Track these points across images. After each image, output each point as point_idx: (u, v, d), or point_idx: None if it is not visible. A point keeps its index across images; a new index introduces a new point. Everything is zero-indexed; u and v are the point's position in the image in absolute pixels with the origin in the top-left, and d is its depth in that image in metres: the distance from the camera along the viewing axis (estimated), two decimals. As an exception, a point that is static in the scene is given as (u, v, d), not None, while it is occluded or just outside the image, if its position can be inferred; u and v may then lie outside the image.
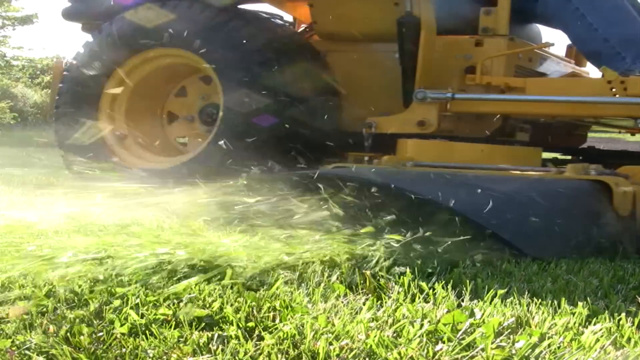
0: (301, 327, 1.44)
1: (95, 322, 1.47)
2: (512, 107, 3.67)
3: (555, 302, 1.73)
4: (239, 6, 4.15)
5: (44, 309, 1.55)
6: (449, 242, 2.26)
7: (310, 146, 3.75)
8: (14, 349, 1.31)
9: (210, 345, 1.35)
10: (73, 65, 4.29)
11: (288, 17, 4.71)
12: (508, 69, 3.73)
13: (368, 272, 1.88)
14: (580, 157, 4.40)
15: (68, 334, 1.39)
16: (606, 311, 1.67)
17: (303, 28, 4.58)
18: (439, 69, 3.68)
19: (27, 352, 1.31)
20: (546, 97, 3.60)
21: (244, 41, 3.80)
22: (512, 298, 1.76)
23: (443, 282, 1.90)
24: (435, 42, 3.67)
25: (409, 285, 1.83)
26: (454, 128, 3.75)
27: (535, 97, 3.61)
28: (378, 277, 1.92)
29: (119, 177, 3.88)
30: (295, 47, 3.98)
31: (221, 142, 3.68)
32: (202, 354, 1.32)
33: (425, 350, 1.34)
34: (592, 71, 4.45)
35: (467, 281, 1.90)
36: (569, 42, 4.24)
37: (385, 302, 1.69)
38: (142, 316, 1.51)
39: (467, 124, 3.80)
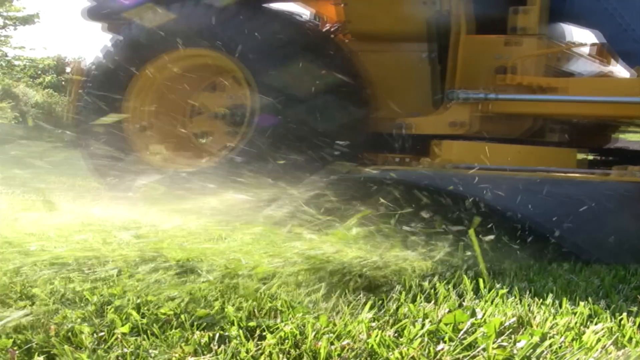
0: (302, 327, 1.44)
1: (96, 321, 1.47)
2: (547, 107, 3.62)
3: (557, 301, 1.73)
4: (268, 6, 4.10)
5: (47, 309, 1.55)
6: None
7: (341, 146, 3.70)
8: (14, 348, 1.31)
9: (212, 345, 1.35)
10: (98, 64, 4.23)
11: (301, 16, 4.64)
12: (540, 69, 3.69)
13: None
14: (603, 157, 4.37)
15: (69, 334, 1.39)
16: (607, 311, 1.67)
17: (335, 27, 4.51)
18: (472, 69, 3.65)
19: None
20: (583, 97, 3.54)
21: (279, 43, 3.74)
22: (513, 298, 1.76)
23: (444, 281, 1.90)
24: (469, 42, 3.64)
25: (410, 285, 1.83)
26: (486, 129, 3.71)
27: (572, 97, 3.56)
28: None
29: (150, 180, 3.82)
30: (329, 49, 3.90)
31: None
32: (204, 354, 1.32)
33: (427, 350, 1.34)
34: (620, 70, 4.41)
35: (469, 281, 1.90)
36: (595, 40, 4.22)
37: (387, 302, 1.68)
38: (143, 316, 1.51)
39: (498, 124, 3.77)
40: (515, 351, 1.34)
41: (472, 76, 3.64)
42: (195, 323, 1.47)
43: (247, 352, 1.31)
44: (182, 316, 1.49)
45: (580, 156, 4.42)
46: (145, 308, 1.56)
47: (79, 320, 1.47)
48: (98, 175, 4.27)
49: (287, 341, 1.37)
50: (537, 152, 3.49)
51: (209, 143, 4.24)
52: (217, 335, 1.39)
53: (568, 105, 3.61)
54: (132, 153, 4.07)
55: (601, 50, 4.33)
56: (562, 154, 3.62)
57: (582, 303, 1.69)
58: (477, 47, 3.68)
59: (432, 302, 1.70)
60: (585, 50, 4.27)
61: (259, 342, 1.36)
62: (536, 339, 1.39)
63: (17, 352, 1.29)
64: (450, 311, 1.56)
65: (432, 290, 1.80)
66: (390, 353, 1.33)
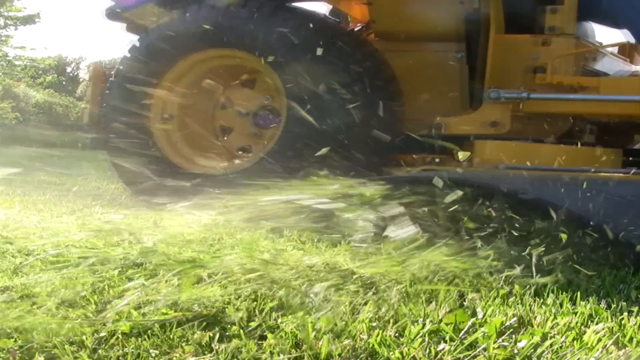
0: (303, 327, 1.43)
1: (97, 321, 1.47)
2: (586, 107, 3.60)
3: (558, 301, 1.73)
4: (296, 5, 4.06)
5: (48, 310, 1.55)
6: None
7: (373, 150, 3.67)
8: (15, 348, 1.31)
9: (212, 345, 1.35)
10: (124, 63, 4.17)
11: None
12: (577, 68, 3.68)
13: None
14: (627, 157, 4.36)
15: (70, 334, 1.39)
16: (608, 311, 1.67)
17: (359, 27, 4.47)
18: (507, 69, 3.62)
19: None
20: (623, 96, 3.52)
21: (305, 43, 3.68)
22: (514, 298, 1.76)
23: (446, 282, 1.90)
24: (506, 42, 3.62)
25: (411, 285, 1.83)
26: (525, 129, 3.68)
27: (612, 96, 3.53)
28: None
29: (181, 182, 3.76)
30: (360, 50, 3.85)
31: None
32: (205, 354, 1.32)
33: (428, 350, 1.34)
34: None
35: (469, 281, 1.90)
36: (622, 40, 4.20)
37: (387, 302, 1.68)
38: (144, 315, 1.51)
39: (537, 124, 3.73)
40: (516, 351, 1.34)
41: (509, 76, 3.61)
42: (196, 322, 1.47)
43: (247, 352, 1.31)
44: (183, 316, 1.49)
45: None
46: (147, 308, 1.56)
47: (79, 320, 1.47)
48: (122, 174, 4.19)
49: (287, 341, 1.37)
50: (585, 153, 3.46)
51: (230, 139, 4.18)
52: (218, 335, 1.39)
53: (610, 104, 3.56)
54: (159, 152, 4.01)
55: (624, 49, 4.31)
56: (608, 154, 3.58)
57: (582, 303, 1.69)
58: (514, 46, 3.65)
59: (433, 302, 1.70)
60: (610, 49, 4.25)
61: (259, 342, 1.36)
62: (537, 338, 1.39)
63: (17, 352, 1.30)
64: (451, 311, 1.56)
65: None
66: (391, 353, 1.33)
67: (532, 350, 1.35)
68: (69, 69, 34.35)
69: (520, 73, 3.63)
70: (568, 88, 3.58)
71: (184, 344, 1.35)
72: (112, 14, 4.52)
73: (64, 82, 29.23)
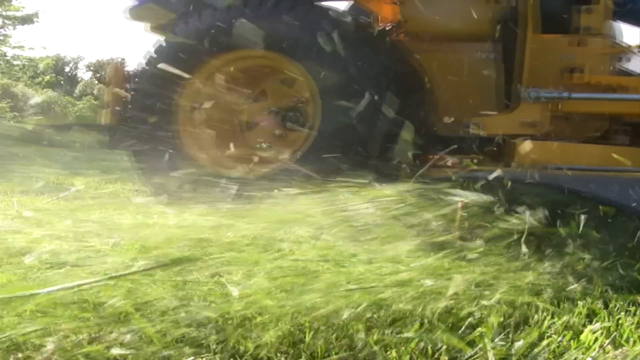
0: (301, 326, 1.44)
1: (96, 321, 1.47)
2: (626, 107, 3.59)
3: (555, 301, 1.73)
4: (322, 5, 4.03)
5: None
6: None
7: (407, 149, 3.64)
8: (13, 348, 1.31)
9: (211, 345, 1.35)
10: (151, 63, 4.10)
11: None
12: (610, 68, 3.67)
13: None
14: None
15: (68, 333, 1.39)
16: (605, 310, 1.67)
17: (389, 27, 4.44)
18: (544, 69, 3.59)
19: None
20: None
21: (342, 50, 3.66)
22: (512, 297, 1.77)
23: (445, 282, 1.90)
24: (538, 42, 3.60)
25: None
26: (561, 129, 3.63)
27: None
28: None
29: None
30: (389, 51, 3.77)
31: None
32: (203, 354, 1.32)
33: (425, 349, 1.34)
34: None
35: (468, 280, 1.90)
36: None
37: (386, 302, 1.68)
38: (142, 315, 1.51)
39: (573, 125, 3.70)
40: (513, 350, 1.35)
41: (545, 76, 3.60)
42: (195, 323, 1.48)
43: (246, 351, 1.31)
44: (182, 315, 1.49)
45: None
46: (145, 308, 1.56)
47: (77, 319, 1.47)
48: (146, 180, 4.13)
49: (285, 340, 1.37)
50: (624, 152, 3.45)
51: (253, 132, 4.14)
52: (217, 335, 1.39)
53: None
54: (186, 155, 3.96)
55: None
56: None
57: (580, 303, 1.70)
58: (550, 46, 3.65)
59: (432, 301, 1.71)
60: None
61: (258, 342, 1.37)
62: (534, 337, 1.39)
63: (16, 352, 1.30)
64: (449, 310, 1.56)
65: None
66: (389, 352, 1.33)
67: (529, 349, 1.35)
68: (67, 69, 34.34)
69: (557, 73, 3.62)
70: (605, 88, 3.58)
71: (182, 344, 1.35)
72: (137, 14, 4.47)
73: (62, 82, 29.21)
